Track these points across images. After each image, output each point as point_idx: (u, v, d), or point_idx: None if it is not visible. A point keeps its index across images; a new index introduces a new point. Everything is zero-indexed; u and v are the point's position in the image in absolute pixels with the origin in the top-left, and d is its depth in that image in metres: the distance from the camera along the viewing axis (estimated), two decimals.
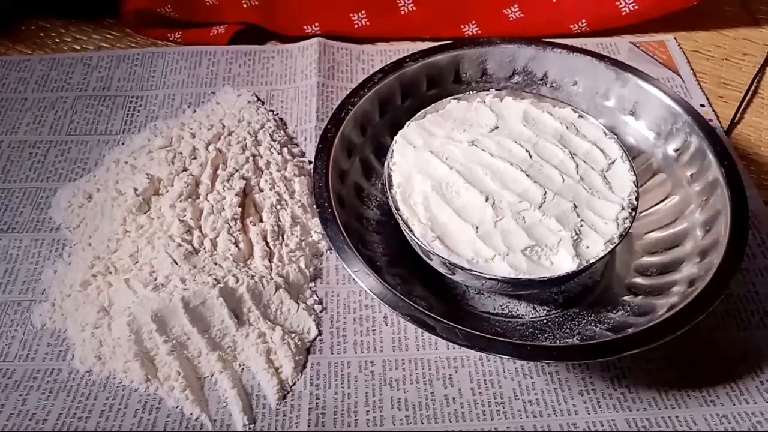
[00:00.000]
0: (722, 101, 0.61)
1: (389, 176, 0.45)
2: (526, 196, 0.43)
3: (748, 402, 0.42)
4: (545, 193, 0.43)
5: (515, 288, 0.44)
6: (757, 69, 0.63)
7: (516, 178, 0.44)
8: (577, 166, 0.45)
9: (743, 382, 0.43)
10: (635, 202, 0.44)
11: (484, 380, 0.44)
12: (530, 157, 0.45)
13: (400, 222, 0.43)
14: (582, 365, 0.44)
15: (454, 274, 0.43)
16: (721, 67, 0.64)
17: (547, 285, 0.45)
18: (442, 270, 0.43)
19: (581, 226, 0.42)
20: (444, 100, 0.49)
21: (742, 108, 0.60)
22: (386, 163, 0.46)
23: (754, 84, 0.62)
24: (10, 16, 0.67)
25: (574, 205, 0.43)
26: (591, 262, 0.41)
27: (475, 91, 0.50)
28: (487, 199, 0.43)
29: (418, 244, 0.43)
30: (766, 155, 0.57)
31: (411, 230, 0.42)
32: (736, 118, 0.59)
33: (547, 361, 0.44)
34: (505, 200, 0.43)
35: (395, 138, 0.47)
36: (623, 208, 0.43)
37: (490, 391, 0.43)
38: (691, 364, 0.44)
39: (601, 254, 0.41)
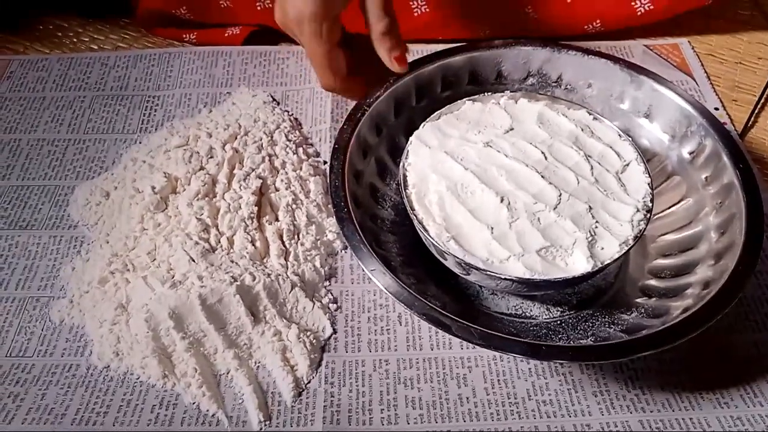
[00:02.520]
0: (736, 104, 0.61)
1: (404, 176, 0.46)
2: (541, 198, 0.43)
3: (762, 404, 0.42)
4: (560, 195, 0.44)
5: (530, 288, 0.44)
6: None
7: (531, 180, 0.44)
8: (591, 167, 0.45)
9: (757, 385, 0.43)
10: (650, 204, 0.44)
11: (498, 380, 0.44)
12: (545, 158, 0.46)
13: (415, 222, 0.43)
14: (596, 366, 0.44)
15: (468, 274, 0.43)
16: (735, 70, 0.64)
17: (562, 286, 0.45)
18: (456, 270, 0.44)
19: (596, 227, 0.43)
20: (459, 101, 0.50)
21: (756, 111, 0.60)
22: (401, 164, 0.46)
23: None
24: (16, 14, 0.68)
25: (589, 206, 0.43)
26: (606, 263, 0.41)
27: (490, 93, 0.51)
28: (502, 200, 0.43)
29: (433, 244, 0.43)
30: None
31: (426, 230, 0.43)
32: (750, 122, 0.59)
33: (562, 361, 0.44)
34: (520, 201, 0.43)
35: (410, 139, 0.47)
36: (638, 210, 0.43)
37: (504, 391, 0.43)
38: (705, 366, 0.44)
39: (616, 256, 0.42)
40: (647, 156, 0.50)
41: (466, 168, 0.45)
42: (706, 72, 0.63)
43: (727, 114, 0.59)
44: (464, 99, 0.50)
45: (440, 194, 0.44)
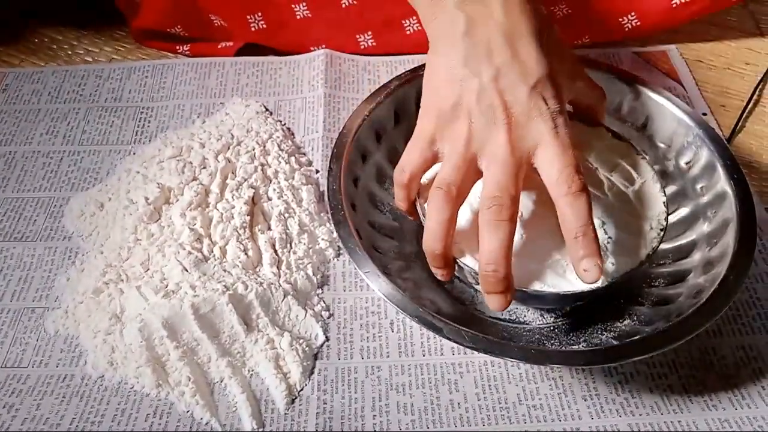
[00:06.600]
0: (724, 110, 0.62)
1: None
2: (553, 211, 0.43)
3: (750, 407, 0.43)
4: None
5: (538, 301, 0.45)
6: (759, 78, 0.64)
7: (544, 193, 0.44)
8: (607, 184, 0.46)
9: (745, 387, 0.44)
10: (664, 223, 0.44)
11: (489, 385, 0.44)
12: None
13: None
14: (586, 371, 0.45)
15: (478, 284, 0.43)
16: (723, 76, 0.65)
17: (570, 300, 0.45)
18: (466, 279, 0.44)
19: (608, 243, 0.43)
20: None
21: (743, 117, 0.61)
22: None
23: (756, 93, 0.63)
24: (12, 27, 0.69)
25: (602, 222, 0.43)
26: (615, 279, 0.42)
27: None
28: None
29: None
30: (767, 163, 0.58)
31: None
32: (738, 127, 0.60)
33: (552, 366, 0.44)
34: (531, 213, 0.43)
35: None
36: (651, 228, 0.44)
37: (495, 396, 0.44)
38: (693, 370, 0.45)
39: (626, 272, 0.42)
40: None
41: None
42: (694, 78, 0.64)
43: (715, 119, 0.60)
44: None
45: None
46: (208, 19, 0.65)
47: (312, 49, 0.65)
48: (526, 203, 0.44)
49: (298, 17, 0.64)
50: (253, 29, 0.65)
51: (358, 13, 0.64)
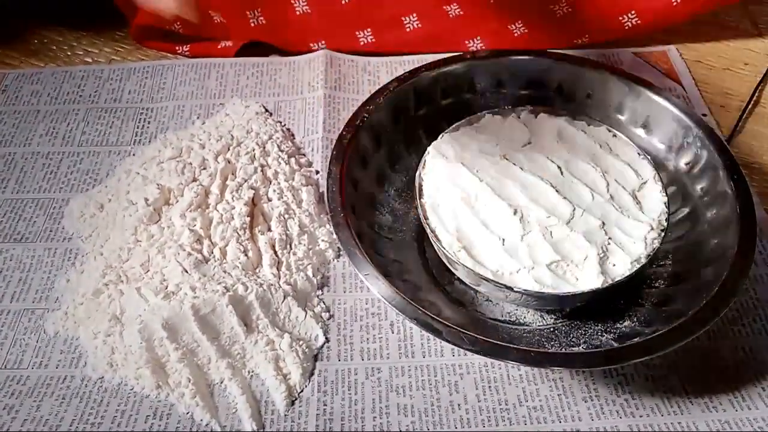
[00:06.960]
0: (724, 110, 0.62)
1: (420, 186, 0.46)
2: (554, 212, 0.44)
3: (750, 408, 0.43)
4: (574, 210, 0.44)
5: (538, 302, 0.44)
6: (759, 78, 0.64)
7: (546, 194, 0.44)
8: (608, 184, 0.46)
9: (745, 389, 0.44)
10: (665, 223, 0.44)
11: (489, 387, 0.44)
12: (561, 173, 0.46)
13: (428, 231, 0.44)
14: (586, 372, 0.45)
15: (479, 285, 0.43)
16: (723, 76, 0.65)
17: (571, 301, 0.45)
18: (467, 280, 0.44)
19: (608, 244, 0.43)
20: (479, 113, 0.50)
21: (743, 117, 0.61)
22: (417, 173, 0.47)
23: (756, 93, 0.63)
24: (14, 27, 0.69)
25: (603, 222, 0.44)
26: (616, 280, 0.42)
27: (510, 107, 0.51)
28: (515, 213, 0.43)
29: (444, 254, 0.43)
30: (767, 164, 0.58)
31: (438, 240, 0.43)
32: (738, 128, 0.60)
33: (552, 368, 0.44)
34: (533, 214, 0.43)
35: (428, 149, 0.48)
36: (652, 228, 0.44)
37: (495, 397, 0.44)
38: (694, 371, 0.45)
39: (627, 273, 0.42)
40: None
41: (481, 180, 0.45)
42: (693, 78, 0.64)
43: (715, 120, 0.60)
44: (484, 112, 0.50)
45: (454, 205, 0.44)
46: (207, 16, 0.65)
47: (311, 45, 0.65)
48: (525, 203, 0.44)
49: (297, 13, 0.65)
50: (252, 25, 0.65)
51: (358, 9, 0.64)
